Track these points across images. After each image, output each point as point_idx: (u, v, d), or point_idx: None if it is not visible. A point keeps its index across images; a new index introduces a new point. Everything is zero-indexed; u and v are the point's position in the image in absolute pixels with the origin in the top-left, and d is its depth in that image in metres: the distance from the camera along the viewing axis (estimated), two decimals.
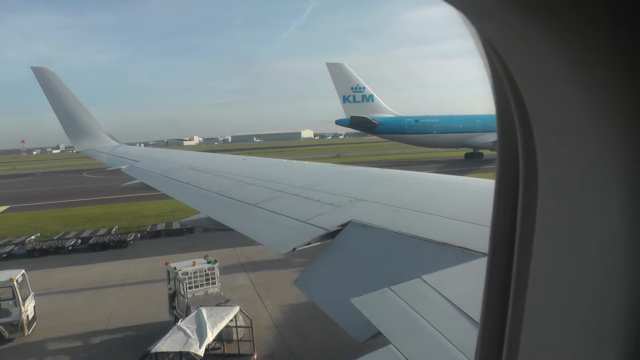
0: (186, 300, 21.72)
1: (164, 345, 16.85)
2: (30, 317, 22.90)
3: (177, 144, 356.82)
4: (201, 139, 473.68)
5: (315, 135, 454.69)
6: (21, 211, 59.36)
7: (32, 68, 32.00)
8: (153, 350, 16.67)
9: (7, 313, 22.34)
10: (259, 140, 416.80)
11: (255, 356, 19.24)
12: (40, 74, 31.77)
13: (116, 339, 21.76)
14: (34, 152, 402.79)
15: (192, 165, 16.83)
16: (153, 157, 22.62)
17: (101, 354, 20.41)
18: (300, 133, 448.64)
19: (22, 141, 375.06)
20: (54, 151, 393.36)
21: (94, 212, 54.07)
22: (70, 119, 31.64)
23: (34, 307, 23.72)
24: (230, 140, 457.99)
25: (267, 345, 20.40)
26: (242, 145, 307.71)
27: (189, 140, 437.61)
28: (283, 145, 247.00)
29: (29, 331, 22.47)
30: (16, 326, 22.14)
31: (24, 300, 22.64)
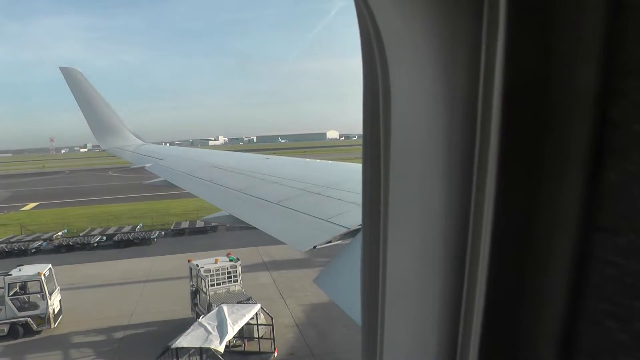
0: (208, 297, 21.90)
1: (185, 340, 16.98)
2: (56, 311, 23.38)
3: (203, 143, 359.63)
4: (226, 138, 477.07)
5: (340, 136, 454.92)
6: (49, 208, 60.56)
7: (60, 68, 32.31)
8: (174, 346, 16.79)
9: (35, 306, 22.90)
10: (284, 141, 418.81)
11: (275, 354, 19.32)
12: (68, 74, 32.11)
13: (138, 334, 22.04)
14: (62, 151, 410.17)
15: (215, 163, 16.68)
16: (177, 156, 22.49)
17: (124, 347, 20.71)
18: (325, 134, 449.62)
19: (51, 140, 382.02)
20: (81, 150, 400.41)
21: (119, 210, 54.86)
22: (96, 118, 31.98)
23: (60, 301, 24.20)
24: (255, 140, 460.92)
25: (287, 344, 20.45)
26: (267, 145, 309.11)
27: (214, 140, 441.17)
28: (308, 145, 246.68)
29: (55, 324, 22.96)
30: (43, 319, 22.63)
31: (50, 294, 23.15)
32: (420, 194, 1.08)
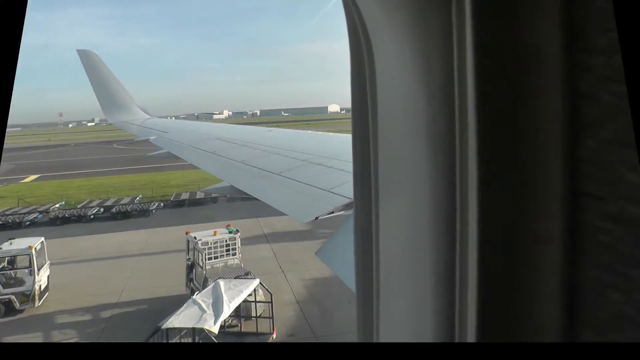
0: (204, 271, 20.66)
1: (177, 320, 15.65)
2: (42, 288, 22.09)
3: (208, 117, 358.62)
4: (230, 112, 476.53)
5: (341, 109, 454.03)
6: (50, 180, 59.82)
7: (77, 51, 34.79)
8: (164, 326, 15.45)
9: (21, 282, 21.65)
10: (286, 114, 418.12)
11: (274, 335, 17.94)
12: (84, 55, 34.58)
13: (128, 313, 20.63)
14: (70, 125, 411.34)
15: (219, 136, 16.87)
16: (181, 129, 22.99)
17: (110, 329, 19.30)
18: (327, 107, 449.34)
19: (60, 114, 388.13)
20: (89, 124, 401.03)
21: (119, 182, 53.94)
22: (107, 94, 34.11)
23: (48, 276, 22.96)
24: (259, 114, 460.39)
25: (287, 324, 19.07)
26: (271, 118, 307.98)
27: (219, 114, 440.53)
28: (310, 118, 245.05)
29: (39, 302, 21.62)
30: (28, 296, 21.35)
31: (39, 270, 21.90)
32: (407, 166, 1.13)
